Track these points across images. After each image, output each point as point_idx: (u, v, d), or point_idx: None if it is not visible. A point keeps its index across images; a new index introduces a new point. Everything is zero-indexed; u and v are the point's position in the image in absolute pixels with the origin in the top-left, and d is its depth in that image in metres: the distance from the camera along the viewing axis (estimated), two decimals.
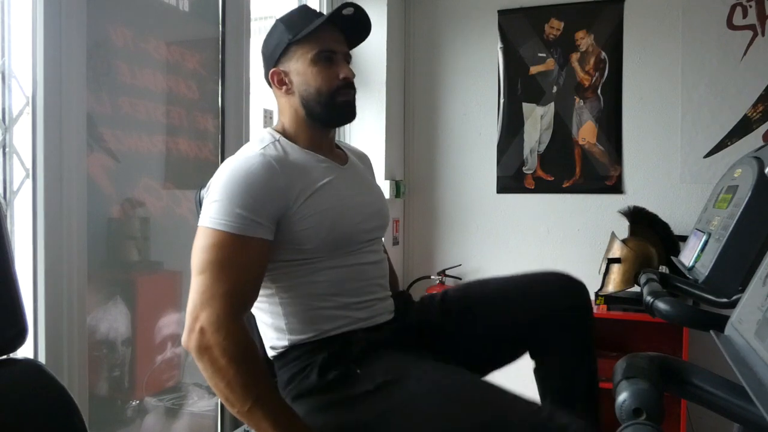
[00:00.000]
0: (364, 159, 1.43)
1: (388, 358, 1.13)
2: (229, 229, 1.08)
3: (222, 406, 1.95)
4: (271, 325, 1.20)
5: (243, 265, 1.08)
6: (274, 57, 1.25)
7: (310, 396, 1.13)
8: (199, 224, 1.13)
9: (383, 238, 1.36)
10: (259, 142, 1.22)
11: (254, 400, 1.03)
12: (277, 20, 1.27)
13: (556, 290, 1.30)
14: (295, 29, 1.21)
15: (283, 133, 1.26)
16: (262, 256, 1.11)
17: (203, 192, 1.34)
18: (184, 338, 1.07)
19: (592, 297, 2.28)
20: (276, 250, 1.14)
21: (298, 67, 1.22)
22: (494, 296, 1.34)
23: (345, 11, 1.21)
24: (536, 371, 1.32)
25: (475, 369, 1.20)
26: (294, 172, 1.17)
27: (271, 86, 1.28)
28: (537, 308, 1.28)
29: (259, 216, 1.09)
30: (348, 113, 1.26)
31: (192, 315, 1.06)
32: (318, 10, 1.31)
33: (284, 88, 1.25)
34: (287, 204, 1.13)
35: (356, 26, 1.27)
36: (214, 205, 1.10)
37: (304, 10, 1.30)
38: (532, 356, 1.32)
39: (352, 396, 1.09)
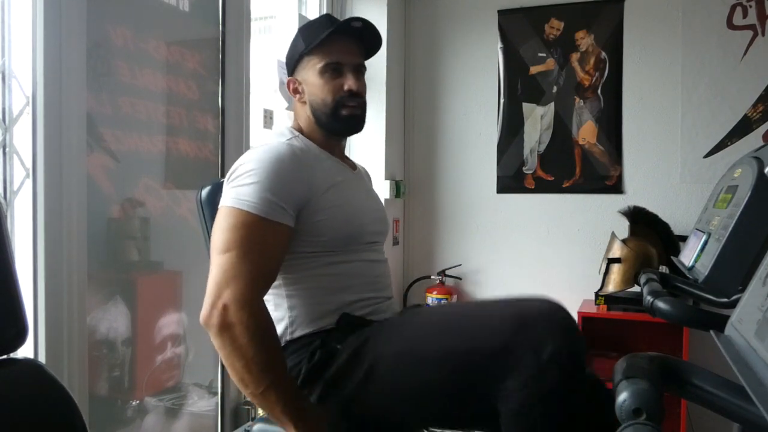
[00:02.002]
0: (367, 174, 1.49)
1: (363, 329, 1.14)
2: (257, 212, 1.09)
3: (222, 406, 1.95)
4: (275, 319, 1.20)
5: (268, 248, 1.09)
6: (290, 66, 1.31)
7: (305, 386, 1.14)
8: (223, 204, 1.13)
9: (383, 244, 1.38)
10: (281, 135, 1.27)
11: (269, 383, 1.04)
12: (299, 29, 1.31)
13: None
14: (309, 40, 1.25)
15: (299, 131, 1.31)
16: (285, 242, 1.12)
17: (203, 193, 1.34)
18: (203, 315, 1.07)
19: (592, 297, 2.30)
20: (293, 240, 1.16)
21: (309, 77, 1.27)
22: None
23: (353, 24, 1.24)
24: None
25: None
26: (315, 165, 1.21)
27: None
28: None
29: (286, 203, 1.11)
30: (353, 125, 1.29)
31: (214, 292, 1.06)
32: (335, 18, 1.32)
33: (298, 96, 1.30)
34: (309, 194, 1.16)
35: (369, 37, 1.30)
36: (244, 188, 1.11)
37: (323, 20, 1.31)
38: None
39: (339, 370, 1.10)
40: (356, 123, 1.29)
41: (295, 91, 1.30)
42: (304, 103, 1.28)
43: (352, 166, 1.38)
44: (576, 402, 0.98)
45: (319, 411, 1.08)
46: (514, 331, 0.96)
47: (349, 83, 1.24)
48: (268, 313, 1.09)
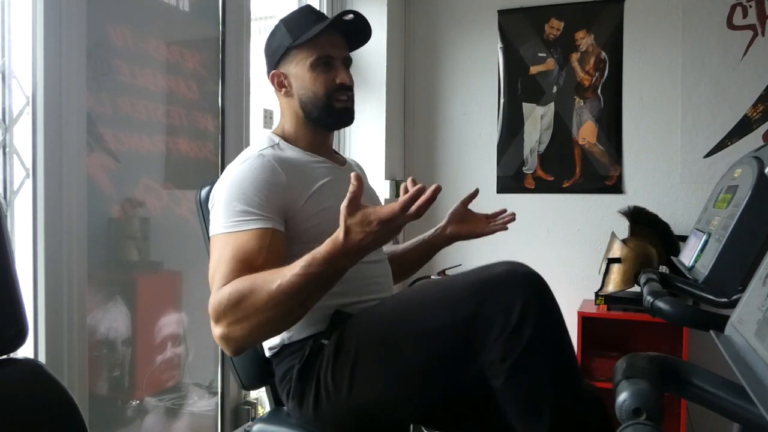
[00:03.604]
0: (358, 166, 1.47)
1: (347, 322, 1.13)
2: (236, 228, 1.08)
3: (222, 406, 1.95)
4: None
5: (249, 256, 1.05)
6: (274, 59, 1.27)
7: (299, 385, 1.13)
8: (210, 235, 1.14)
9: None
10: (257, 145, 1.25)
11: (298, 298, 0.97)
12: (280, 21, 1.28)
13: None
14: (296, 33, 1.23)
15: (283, 135, 1.29)
16: (272, 244, 1.08)
17: (203, 193, 1.34)
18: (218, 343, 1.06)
19: (592, 297, 2.30)
20: (286, 243, 1.15)
21: (297, 71, 1.24)
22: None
23: (345, 17, 1.23)
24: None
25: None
26: (294, 171, 1.18)
27: (272, 86, 1.31)
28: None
29: (263, 210, 1.10)
30: (345, 118, 1.28)
31: (212, 326, 1.05)
32: (321, 12, 1.31)
33: (284, 90, 1.27)
34: (290, 200, 1.15)
35: (356, 30, 1.28)
36: (220, 212, 1.11)
37: (305, 11, 1.31)
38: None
39: (328, 364, 1.09)
40: (348, 116, 1.27)
41: (281, 85, 1.27)
42: (291, 96, 1.26)
43: (341, 161, 1.36)
44: (563, 352, 0.97)
45: (343, 235, 0.95)
46: (480, 299, 0.96)
47: (341, 77, 1.23)
48: (233, 289, 1.01)
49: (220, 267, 1.05)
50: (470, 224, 1.48)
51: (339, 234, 0.94)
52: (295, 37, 1.22)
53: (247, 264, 1.04)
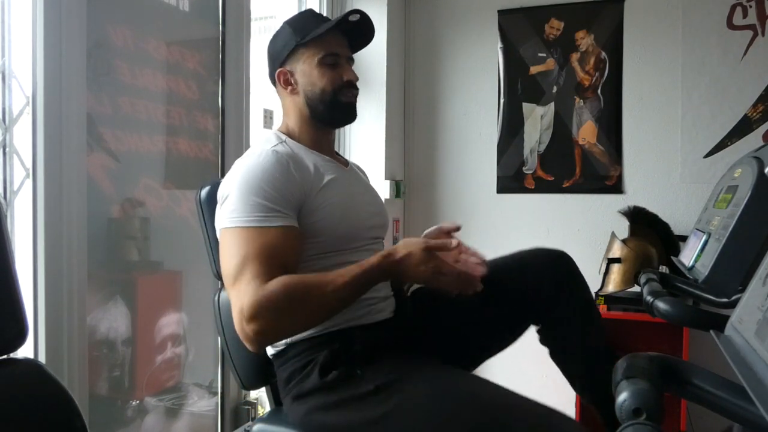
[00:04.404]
0: (361, 169, 1.49)
1: (389, 359, 1.13)
2: (261, 224, 1.09)
3: (222, 406, 1.95)
4: None
5: (279, 253, 1.07)
6: (280, 58, 1.29)
7: (311, 396, 1.13)
8: (219, 227, 1.14)
9: (384, 239, 1.37)
10: (266, 142, 1.25)
11: (335, 304, 1.07)
12: (284, 22, 1.31)
13: (543, 263, 1.33)
14: (302, 32, 1.26)
15: (287, 133, 1.30)
16: (292, 243, 1.11)
17: (203, 193, 1.34)
18: (244, 341, 1.07)
19: (593, 296, 2.30)
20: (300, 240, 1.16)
21: (305, 68, 1.27)
22: (488, 281, 1.28)
23: (351, 17, 1.25)
24: (542, 341, 1.36)
25: (479, 353, 1.31)
26: (303, 168, 1.20)
27: (276, 86, 1.33)
28: (531, 283, 1.30)
29: (281, 206, 1.11)
30: (349, 113, 1.31)
31: (239, 326, 1.05)
32: (322, 14, 1.36)
33: (289, 88, 1.29)
34: (302, 197, 1.16)
35: (360, 31, 1.31)
36: (235, 205, 1.11)
37: (308, 14, 1.35)
38: (538, 331, 1.36)
39: (354, 397, 1.09)
40: (352, 111, 1.31)
41: (287, 83, 1.29)
42: (297, 93, 1.28)
43: (344, 162, 1.37)
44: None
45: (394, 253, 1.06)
46: (542, 414, 0.98)
47: (348, 74, 1.27)
48: (285, 287, 1.04)
49: (250, 263, 1.05)
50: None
51: (396, 251, 1.06)
52: (301, 36, 1.25)
53: (278, 262, 1.06)
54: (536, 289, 1.29)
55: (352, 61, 1.31)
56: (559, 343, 1.33)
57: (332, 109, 1.27)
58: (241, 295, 1.04)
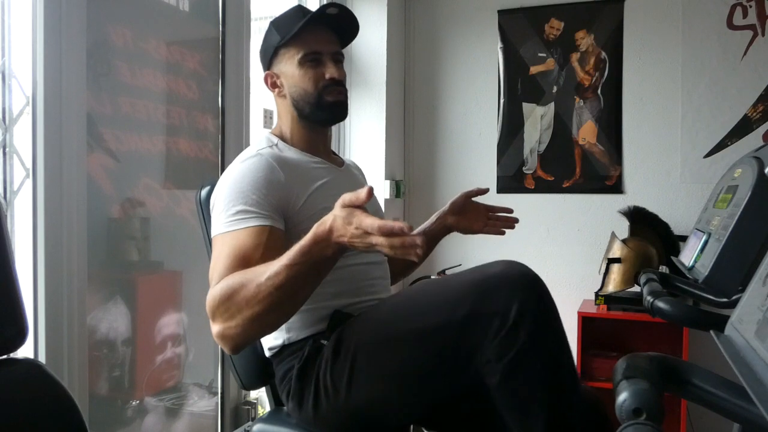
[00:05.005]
0: (358, 169, 1.47)
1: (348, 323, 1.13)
2: (234, 227, 1.08)
3: (222, 406, 1.95)
4: None
5: (243, 253, 1.05)
6: (266, 60, 1.28)
7: (298, 385, 1.13)
8: (211, 237, 1.14)
9: None
10: (255, 146, 1.25)
11: (284, 289, 0.95)
12: (270, 22, 1.28)
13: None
14: (283, 32, 1.23)
15: (281, 136, 1.29)
16: (268, 241, 1.07)
17: (203, 193, 1.34)
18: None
19: (592, 297, 2.30)
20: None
21: (287, 69, 1.24)
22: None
23: (329, 11, 1.22)
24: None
25: None
26: (292, 171, 1.18)
27: (267, 88, 1.31)
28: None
29: (259, 207, 1.10)
30: (337, 112, 1.26)
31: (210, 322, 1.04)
32: (311, 10, 1.29)
33: (277, 90, 1.28)
34: (288, 199, 1.15)
35: (344, 24, 1.27)
36: (219, 213, 1.12)
37: (294, 11, 1.29)
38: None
39: (326, 372, 1.08)
40: (341, 109, 1.26)
41: (274, 85, 1.27)
42: (284, 96, 1.26)
43: (339, 162, 1.35)
44: (559, 354, 0.96)
45: (323, 225, 0.94)
46: (477, 299, 0.96)
47: (330, 71, 1.22)
48: (225, 285, 1.00)
49: (217, 265, 1.06)
50: (469, 218, 1.46)
51: (325, 219, 0.94)
52: (283, 35, 1.22)
53: (243, 261, 1.04)
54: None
55: (339, 56, 1.26)
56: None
57: (318, 110, 1.23)
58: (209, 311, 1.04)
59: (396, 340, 1.03)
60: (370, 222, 0.88)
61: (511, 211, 1.43)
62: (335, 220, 0.92)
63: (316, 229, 0.95)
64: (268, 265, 0.98)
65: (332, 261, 0.98)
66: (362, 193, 0.90)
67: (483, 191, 1.43)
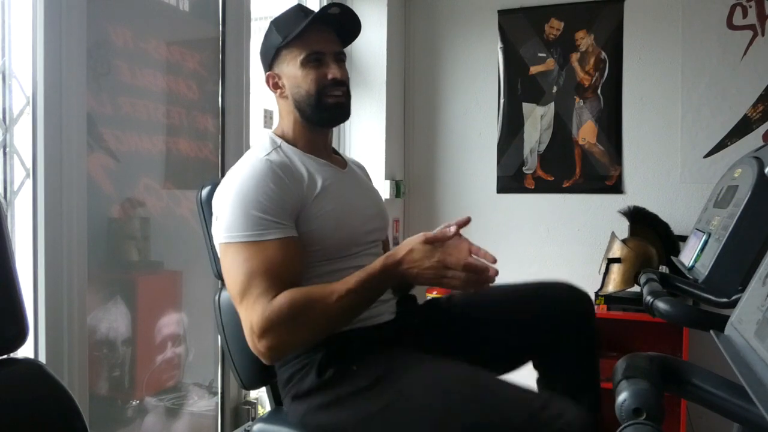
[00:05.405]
0: (361, 167, 1.46)
1: (386, 354, 1.13)
2: (259, 238, 1.08)
3: (222, 405, 1.95)
4: None
5: (281, 266, 1.07)
6: (267, 60, 1.27)
7: (309, 395, 1.13)
8: (218, 242, 1.13)
9: (387, 240, 1.37)
10: (261, 149, 1.22)
11: (342, 316, 1.07)
12: (271, 22, 1.27)
13: (562, 298, 1.32)
14: (284, 32, 1.22)
15: (282, 136, 1.27)
16: (296, 253, 1.11)
17: (203, 193, 1.34)
18: (258, 356, 1.08)
19: (592, 297, 2.29)
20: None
21: (289, 70, 1.23)
22: (500, 301, 1.32)
23: (332, 11, 1.21)
24: (540, 380, 1.32)
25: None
26: (297, 176, 1.18)
27: (269, 88, 1.30)
28: (542, 315, 1.28)
29: (279, 217, 1.10)
30: (339, 113, 1.26)
31: (251, 342, 1.06)
32: (311, 10, 1.29)
33: (278, 91, 1.27)
34: (297, 205, 1.15)
35: (347, 24, 1.27)
36: (234, 219, 1.10)
37: (295, 10, 1.28)
38: (536, 366, 1.32)
39: (350, 393, 1.09)
40: (342, 111, 1.25)
41: (275, 86, 1.26)
42: (286, 97, 1.25)
43: (342, 163, 1.34)
44: None
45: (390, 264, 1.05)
46: (540, 406, 0.97)
47: (332, 72, 1.21)
48: (291, 302, 1.05)
49: (255, 280, 1.05)
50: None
51: (397, 252, 1.04)
52: (284, 36, 1.21)
53: (281, 276, 1.07)
54: (542, 327, 1.28)
55: (342, 56, 1.26)
56: (551, 379, 1.30)
57: (320, 111, 1.22)
58: (249, 313, 1.05)
59: (444, 418, 1.01)
60: (455, 260, 0.99)
61: (494, 261, 1.10)
62: (411, 252, 1.02)
63: (386, 260, 1.04)
64: (330, 287, 1.06)
65: (390, 287, 1.08)
66: (450, 231, 1.00)
67: (465, 222, 1.30)
